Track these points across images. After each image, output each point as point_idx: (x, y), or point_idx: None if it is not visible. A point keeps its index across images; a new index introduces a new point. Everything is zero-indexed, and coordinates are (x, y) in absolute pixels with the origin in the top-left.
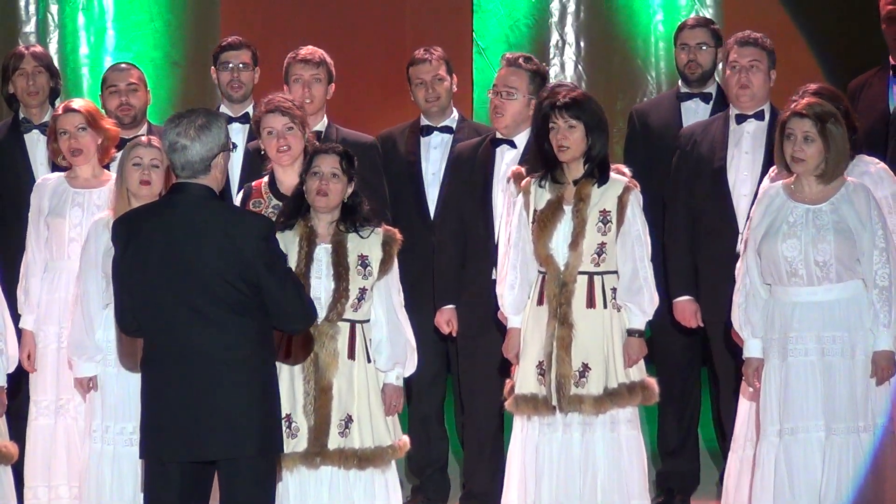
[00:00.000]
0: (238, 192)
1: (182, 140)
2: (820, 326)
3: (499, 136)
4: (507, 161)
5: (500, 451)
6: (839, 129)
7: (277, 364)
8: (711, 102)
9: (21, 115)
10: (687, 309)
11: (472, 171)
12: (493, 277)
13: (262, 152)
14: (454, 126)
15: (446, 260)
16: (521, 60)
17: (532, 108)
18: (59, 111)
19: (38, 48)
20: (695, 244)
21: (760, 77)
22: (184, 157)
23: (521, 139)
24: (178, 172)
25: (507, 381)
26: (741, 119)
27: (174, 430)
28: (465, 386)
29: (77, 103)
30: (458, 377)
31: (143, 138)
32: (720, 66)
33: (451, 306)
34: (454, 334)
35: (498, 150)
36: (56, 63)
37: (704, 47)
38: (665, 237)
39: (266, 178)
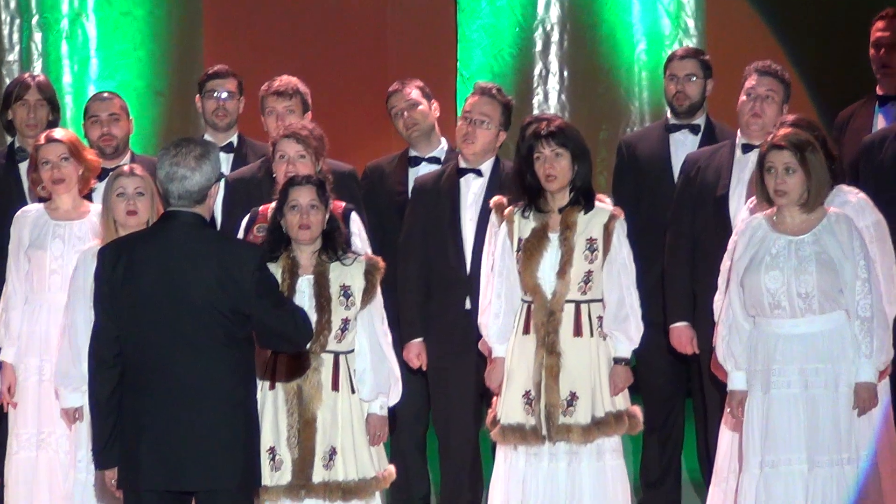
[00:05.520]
0: (222, 220)
1: (181, 170)
2: (803, 359)
3: (463, 165)
4: (473, 190)
5: (479, 479)
6: (817, 156)
7: (261, 396)
8: (700, 134)
9: (17, 144)
10: (684, 335)
11: (437, 202)
12: (467, 307)
13: (273, 176)
14: (442, 157)
15: (411, 294)
16: (494, 91)
17: (500, 140)
18: (42, 141)
19: (43, 78)
20: (693, 271)
21: (774, 108)
22: (182, 187)
23: (487, 167)
24: (174, 201)
25: (490, 411)
26: (747, 149)
27: (154, 459)
28: (439, 417)
29: (59, 133)
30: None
31: (126, 167)
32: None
33: (418, 339)
34: (424, 368)
35: (463, 179)
36: None
37: (693, 78)
38: (665, 262)
39: (274, 204)
